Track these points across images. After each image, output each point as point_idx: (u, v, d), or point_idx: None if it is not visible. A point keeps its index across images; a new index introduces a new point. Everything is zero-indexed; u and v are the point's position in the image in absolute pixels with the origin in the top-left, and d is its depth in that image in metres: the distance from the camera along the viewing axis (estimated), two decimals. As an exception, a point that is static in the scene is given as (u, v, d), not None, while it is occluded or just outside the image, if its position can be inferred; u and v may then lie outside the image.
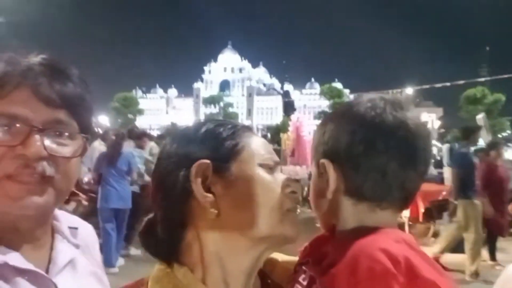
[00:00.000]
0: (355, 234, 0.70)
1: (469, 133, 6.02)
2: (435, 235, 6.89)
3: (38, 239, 0.93)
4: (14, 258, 0.86)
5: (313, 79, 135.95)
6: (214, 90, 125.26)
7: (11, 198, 0.83)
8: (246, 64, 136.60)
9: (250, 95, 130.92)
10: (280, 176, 0.77)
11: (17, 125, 0.84)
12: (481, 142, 7.85)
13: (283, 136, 13.25)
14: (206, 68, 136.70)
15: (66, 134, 0.90)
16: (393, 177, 0.69)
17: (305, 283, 0.76)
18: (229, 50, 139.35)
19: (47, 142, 0.86)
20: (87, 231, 1.05)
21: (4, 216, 0.85)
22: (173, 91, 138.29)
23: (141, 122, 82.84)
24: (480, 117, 11.93)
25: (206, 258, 0.76)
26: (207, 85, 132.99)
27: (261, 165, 0.77)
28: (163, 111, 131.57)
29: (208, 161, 0.76)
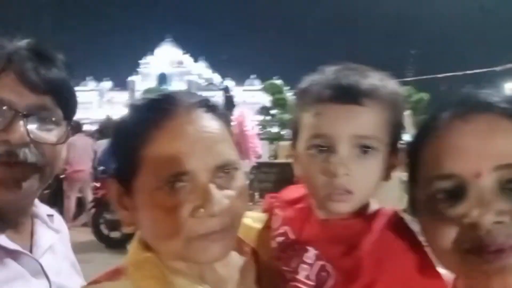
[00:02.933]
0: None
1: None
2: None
3: (22, 223, 0.96)
4: (2, 239, 0.87)
5: (253, 76, 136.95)
6: (151, 84, 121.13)
7: None
8: (186, 58, 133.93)
9: (189, 90, 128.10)
10: (185, 199, 0.68)
11: (2, 108, 0.83)
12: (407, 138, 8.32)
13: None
14: (142, 61, 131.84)
15: (51, 120, 0.90)
16: None
17: (310, 261, 0.81)
18: (168, 43, 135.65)
19: (31, 127, 0.86)
20: (60, 218, 1.09)
21: None
22: (107, 84, 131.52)
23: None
24: (406, 115, 12.75)
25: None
26: (143, 78, 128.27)
27: (153, 192, 0.68)
28: (95, 104, 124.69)
29: (113, 179, 0.75)
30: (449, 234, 0.66)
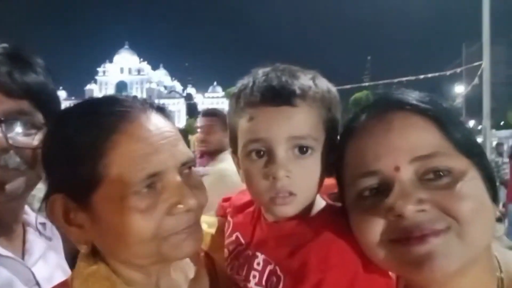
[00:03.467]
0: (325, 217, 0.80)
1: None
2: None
3: (13, 231, 0.95)
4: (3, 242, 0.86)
5: (215, 83, 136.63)
6: (109, 92, 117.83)
7: None
8: (145, 65, 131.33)
9: (150, 98, 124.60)
10: (161, 199, 0.66)
11: None
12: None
13: (192, 138, 12.85)
14: (100, 69, 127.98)
15: (32, 124, 0.89)
16: None
17: (259, 268, 0.80)
18: (126, 50, 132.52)
19: (10, 134, 0.85)
20: (52, 226, 1.05)
21: None
22: (61, 93, 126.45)
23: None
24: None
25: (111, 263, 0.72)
26: (101, 87, 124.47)
27: (126, 198, 0.65)
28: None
29: (61, 195, 0.69)
30: (377, 227, 0.68)
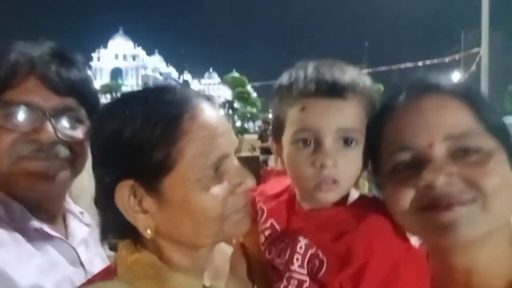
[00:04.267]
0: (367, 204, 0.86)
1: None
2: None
3: (56, 216, 1.04)
4: (44, 226, 0.96)
5: (211, 69, 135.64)
6: (104, 79, 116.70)
7: (29, 174, 0.92)
8: (140, 51, 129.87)
9: (145, 85, 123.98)
10: (225, 180, 0.73)
11: (30, 112, 0.92)
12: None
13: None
14: (95, 55, 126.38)
15: (77, 118, 0.99)
16: None
17: (301, 251, 0.85)
18: (120, 36, 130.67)
19: (59, 127, 0.95)
20: (88, 216, 1.13)
21: (27, 192, 0.94)
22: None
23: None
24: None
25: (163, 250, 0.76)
26: (96, 73, 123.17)
27: (199, 180, 0.71)
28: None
29: (131, 181, 0.70)
30: (409, 195, 0.76)
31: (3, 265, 0.84)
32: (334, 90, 0.82)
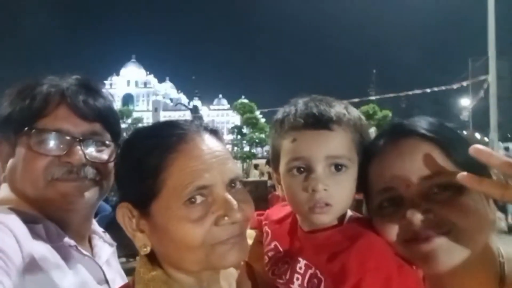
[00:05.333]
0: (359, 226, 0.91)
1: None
2: None
3: (84, 237, 1.10)
4: (78, 245, 1.02)
5: (220, 95, 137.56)
6: (116, 104, 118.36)
7: (62, 194, 0.99)
8: (151, 78, 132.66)
9: (156, 110, 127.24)
10: (209, 211, 0.76)
11: (62, 138, 1.01)
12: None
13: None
14: (107, 82, 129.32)
15: (103, 142, 1.08)
16: None
17: (301, 271, 0.91)
18: (132, 63, 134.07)
19: (87, 150, 1.03)
20: (109, 236, 1.21)
21: (60, 212, 1.01)
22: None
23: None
24: (372, 131, 13.12)
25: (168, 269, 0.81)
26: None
27: (179, 208, 0.74)
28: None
29: (126, 203, 0.79)
30: (394, 230, 0.86)
31: (48, 280, 0.90)
32: (320, 123, 0.91)
